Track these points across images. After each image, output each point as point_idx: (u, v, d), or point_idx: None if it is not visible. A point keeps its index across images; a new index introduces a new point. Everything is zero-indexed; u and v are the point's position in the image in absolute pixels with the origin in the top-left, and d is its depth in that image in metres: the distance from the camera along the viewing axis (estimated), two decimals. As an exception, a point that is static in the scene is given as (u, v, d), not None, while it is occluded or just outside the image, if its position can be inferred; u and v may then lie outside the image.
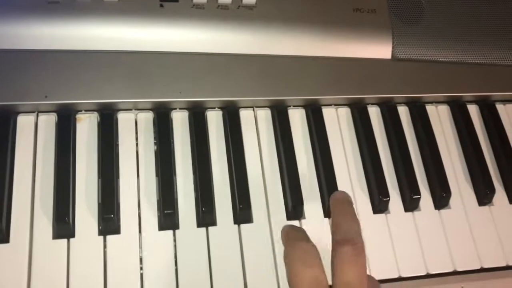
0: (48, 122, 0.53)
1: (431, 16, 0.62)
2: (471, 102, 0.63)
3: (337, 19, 0.60)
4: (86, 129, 0.53)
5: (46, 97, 0.51)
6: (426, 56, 0.61)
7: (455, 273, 0.54)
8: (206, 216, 0.50)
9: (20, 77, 0.51)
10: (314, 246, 0.45)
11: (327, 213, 0.54)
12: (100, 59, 0.54)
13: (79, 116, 0.54)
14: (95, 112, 0.54)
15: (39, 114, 0.53)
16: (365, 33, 0.61)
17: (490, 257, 0.55)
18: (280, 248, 0.50)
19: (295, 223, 0.53)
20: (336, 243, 0.45)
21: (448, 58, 0.62)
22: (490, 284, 0.54)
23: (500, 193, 0.58)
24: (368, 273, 0.51)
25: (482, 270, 0.54)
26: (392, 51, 0.61)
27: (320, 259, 0.44)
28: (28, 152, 0.51)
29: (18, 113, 0.52)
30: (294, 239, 0.47)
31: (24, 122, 0.52)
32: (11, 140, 0.51)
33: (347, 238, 0.45)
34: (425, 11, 0.62)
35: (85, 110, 0.54)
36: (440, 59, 0.61)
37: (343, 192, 0.50)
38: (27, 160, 0.51)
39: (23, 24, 0.52)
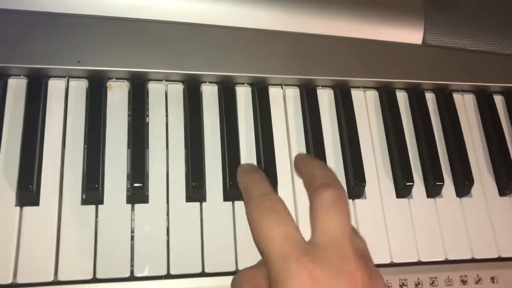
0: (79, 88, 0.53)
1: (466, 5, 0.62)
2: (497, 92, 0.63)
3: (370, 1, 0.60)
4: (117, 97, 0.53)
5: (79, 62, 0.51)
6: (457, 44, 0.61)
7: (472, 260, 0.55)
8: (232, 190, 0.51)
9: (54, 41, 0.51)
10: (281, 199, 0.40)
11: (351, 196, 0.54)
12: (135, 27, 0.53)
13: (110, 83, 0.53)
14: (126, 81, 0.54)
15: (70, 79, 0.53)
16: (397, 17, 0.60)
17: (509, 247, 0.55)
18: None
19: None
20: (315, 189, 0.39)
21: (479, 48, 0.61)
22: (507, 273, 0.55)
23: (522, 185, 0.59)
24: (388, 257, 0.52)
25: (500, 259, 0.55)
26: (423, 36, 0.60)
27: (290, 214, 0.39)
28: (58, 116, 0.51)
29: (49, 77, 0.52)
30: (258, 194, 0.41)
31: (55, 87, 0.52)
32: (42, 103, 0.51)
33: (327, 182, 0.40)
34: (461, 0, 0.62)
35: (116, 78, 0.54)
36: (471, 48, 0.61)
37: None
38: (57, 125, 0.51)
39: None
